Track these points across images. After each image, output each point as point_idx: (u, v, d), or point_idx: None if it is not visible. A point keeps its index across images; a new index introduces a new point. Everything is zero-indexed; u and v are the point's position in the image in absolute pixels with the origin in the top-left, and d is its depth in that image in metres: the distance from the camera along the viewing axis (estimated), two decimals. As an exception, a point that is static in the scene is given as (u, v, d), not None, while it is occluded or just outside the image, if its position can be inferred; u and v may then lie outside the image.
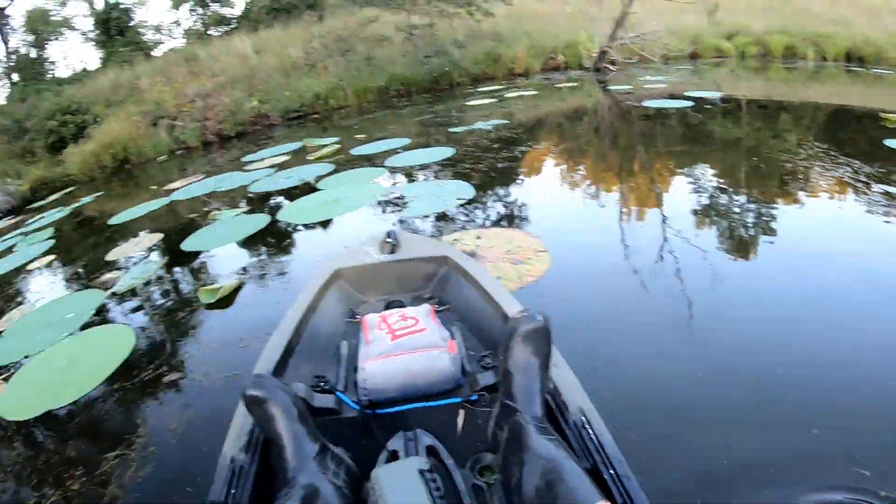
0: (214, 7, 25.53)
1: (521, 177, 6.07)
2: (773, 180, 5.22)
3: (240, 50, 17.60)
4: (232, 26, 24.44)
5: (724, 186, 5.23)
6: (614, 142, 7.42)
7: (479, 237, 4.29)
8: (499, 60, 15.14)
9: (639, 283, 3.45)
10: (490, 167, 6.23)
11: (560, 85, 12.97)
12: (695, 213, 4.59)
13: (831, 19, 16.25)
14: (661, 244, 4.07)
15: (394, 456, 1.64)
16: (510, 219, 4.80)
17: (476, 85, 14.45)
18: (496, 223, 4.67)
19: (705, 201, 4.85)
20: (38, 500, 2.72)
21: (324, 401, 1.90)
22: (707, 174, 5.75)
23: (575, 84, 13.28)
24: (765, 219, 4.31)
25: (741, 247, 4.03)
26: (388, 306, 2.66)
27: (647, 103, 9.44)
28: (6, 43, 25.88)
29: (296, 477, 1.51)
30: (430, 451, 1.68)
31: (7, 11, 25.63)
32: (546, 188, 5.67)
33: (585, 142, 7.38)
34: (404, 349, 1.93)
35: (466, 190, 5.49)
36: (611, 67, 14.41)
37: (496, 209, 5.05)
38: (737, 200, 4.86)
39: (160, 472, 2.62)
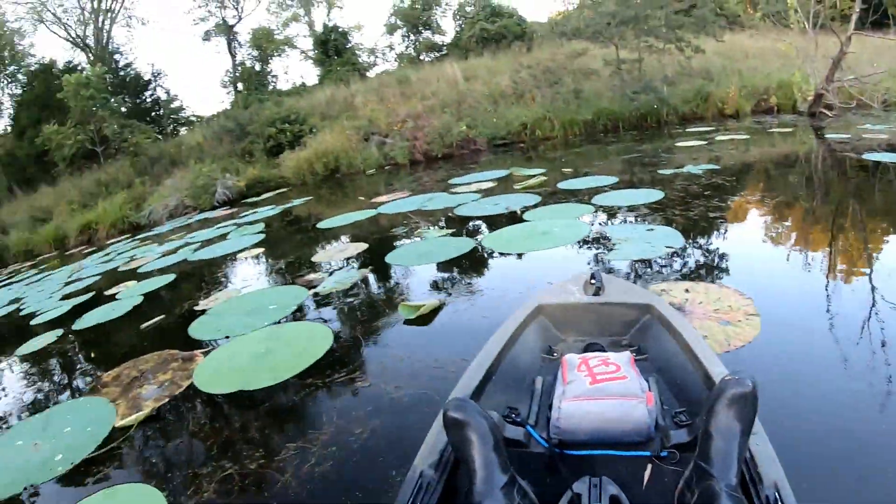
0: (426, 34, 26.91)
1: (732, 229, 5.73)
2: None
3: (450, 75, 18.23)
4: (442, 53, 25.48)
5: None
6: (829, 196, 6.85)
7: (687, 290, 4.07)
8: (708, 100, 14.46)
9: (854, 360, 3.03)
10: (700, 215, 5.97)
11: (773, 130, 12.08)
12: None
13: None
14: (884, 316, 3.66)
15: (577, 499, 1.63)
16: (720, 274, 4.51)
17: (684, 124, 13.90)
18: (705, 277, 4.41)
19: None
20: (215, 469, 2.94)
21: (514, 432, 1.91)
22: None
23: (788, 129, 12.39)
24: None
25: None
26: (587, 348, 2.64)
27: (867, 155, 8.54)
28: (234, 56, 29.03)
29: (482, 503, 1.55)
30: (613, 500, 1.66)
31: (235, 29, 28.93)
32: (758, 243, 5.33)
33: (799, 194, 6.87)
34: (603, 394, 1.92)
35: (675, 238, 5.27)
36: (827, 112, 13.18)
37: (706, 262, 4.81)
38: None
39: (336, 472, 2.71)
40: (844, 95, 13.83)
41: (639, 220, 6.09)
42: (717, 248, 5.07)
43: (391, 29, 27.44)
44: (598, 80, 16.13)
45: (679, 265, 4.73)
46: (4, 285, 12.42)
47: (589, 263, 4.92)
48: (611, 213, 6.55)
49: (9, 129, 26.57)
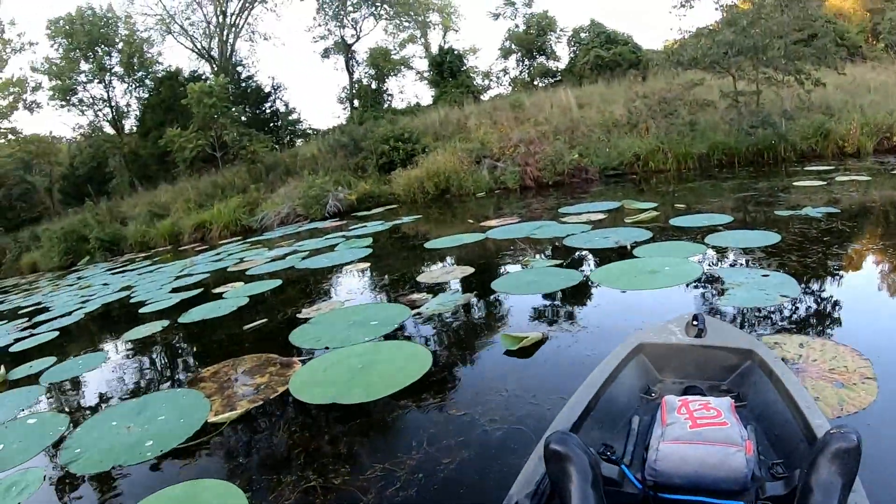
0: (540, 59, 27.08)
1: (851, 280, 5.42)
2: None
3: (563, 102, 18.21)
4: (556, 79, 25.55)
5: None
6: None
7: (802, 345, 3.85)
8: (828, 137, 13.63)
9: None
10: (819, 263, 5.70)
11: None
12: None
13: None
14: None
15: None
16: (837, 330, 4.19)
17: (803, 162, 13.18)
18: (821, 332, 4.13)
19: None
20: (299, 478, 2.99)
21: (609, 470, 1.91)
22: None
23: None
24: None
25: None
26: (686, 391, 2.59)
27: None
28: (351, 73, 30.23)
29: None
30: None
31: (353, 47, 30.09)
32: (879, 299, 4.96)
33: None
34: (702, 439, 1.89)
35: (791, 286, 5.01)
36: None
37: (822, 315, 4.53)
38: None
39: (419, 500, 2.67)
40: None
41: (753, 263, 5.87)
42: (835, 301, 4.80)
43: (506, 53, 27.78)
44: (714, 112, 15.66)
45: (794, 316, 4.51)
46: (119, 272, 13.48)
47: (699, 307, 4.74)
48: (724, 254, 6.35)
49: (135, 129, 29.21)
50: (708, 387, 2.71)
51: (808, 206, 7.99)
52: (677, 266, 5.89)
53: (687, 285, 5.36)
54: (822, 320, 4.44)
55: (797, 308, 4.66)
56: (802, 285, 5.07)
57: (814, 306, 4.73)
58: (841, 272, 5.56)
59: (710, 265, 5.98)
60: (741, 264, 5.96)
